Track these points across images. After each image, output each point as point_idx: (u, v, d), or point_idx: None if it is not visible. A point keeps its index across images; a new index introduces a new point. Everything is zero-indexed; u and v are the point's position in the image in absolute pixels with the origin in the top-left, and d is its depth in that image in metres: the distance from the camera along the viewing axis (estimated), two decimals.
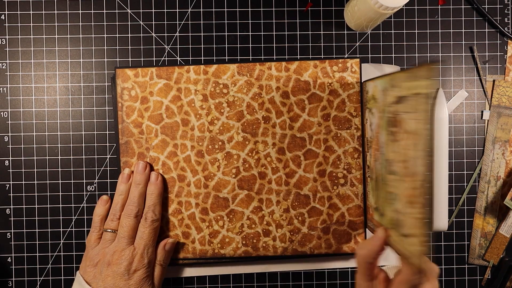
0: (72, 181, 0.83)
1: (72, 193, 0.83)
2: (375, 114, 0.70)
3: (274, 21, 0.83)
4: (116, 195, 0.77)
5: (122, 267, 0.72)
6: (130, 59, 0.83)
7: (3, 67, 0.82)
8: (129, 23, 0.83)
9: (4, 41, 0.82)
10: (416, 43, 0.84)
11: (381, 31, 0.84)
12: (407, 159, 0.58)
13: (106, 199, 0.78)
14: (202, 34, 0.83)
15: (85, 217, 0.83)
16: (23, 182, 0.82)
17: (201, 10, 0.83)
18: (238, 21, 0.83)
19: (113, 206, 0.76)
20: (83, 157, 0.83)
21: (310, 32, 0.83)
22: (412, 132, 0.57)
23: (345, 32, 0.84)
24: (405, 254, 0.60)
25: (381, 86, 0.68)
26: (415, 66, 0.55)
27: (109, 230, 0.75)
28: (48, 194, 0.82)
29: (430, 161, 0.52)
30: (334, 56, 0.83)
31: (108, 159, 0.83)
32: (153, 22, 0.83)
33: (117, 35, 0.83)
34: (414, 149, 0.56)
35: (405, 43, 0.84)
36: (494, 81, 0.83)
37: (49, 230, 0.83)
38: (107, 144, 0.83)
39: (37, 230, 0.83)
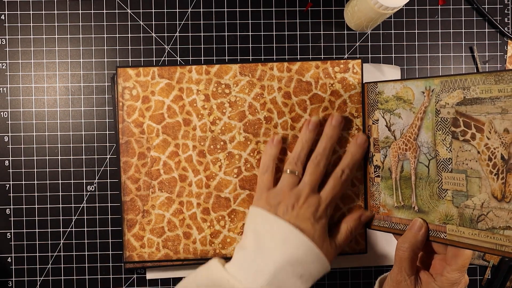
0: (72, 181, 0.83)
1: (72, 193, 0.83)
2: (405, 114, 0.71)
3: (274, 21, 0.83)
4: (300, 141, 0.76)
5: (309, 211, 0.72)
6: (130, 59, 0.82)
7: (3, 67, 0.82)
8: (129, 23, 0.83)
9: (4, 41, 0.82)
10: (416, 43, 0.84)
11: (381, 31, 0.84)
12: (494, 157, 0.61)
13: (279, 139, 0.77)
14: (202, 34, 0.83)
15: (85, 217, 0.83)
16: (23, 182, 0.82)
17: (201, 10, 0.83)
18: (238, 21, 0.83)
19: (298, 150, 0.75)
20: (83, 157, 0.83)
21: (310, 32, 0.83)
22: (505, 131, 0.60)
23: (345, 32, 0.84)
24: (480, 247, 0.64)
25: (419, 87, 0.69)
26: (497, 70, 0.61)
27: (292, 172, 0.74)
28: (48, 194, 0.82)
29: None
30: (334, 56, 0.83)
31: (108, 159, 0.83)
32: (153, 22, 0.83)
33: (117, 35, 0.83)
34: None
35: (405, 43, 0.84)
36: None
37: (49, 230, 0.83)
38: (107, 144, 0.83)
39: (37, 230, 0.83)
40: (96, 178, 0.83)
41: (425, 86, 0.68)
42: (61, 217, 0.83)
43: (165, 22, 0.83)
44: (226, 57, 0.83)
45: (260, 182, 0.76)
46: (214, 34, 0.83)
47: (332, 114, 0.77)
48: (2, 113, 0.82)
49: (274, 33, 0.83)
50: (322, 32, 0.84)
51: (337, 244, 0.74)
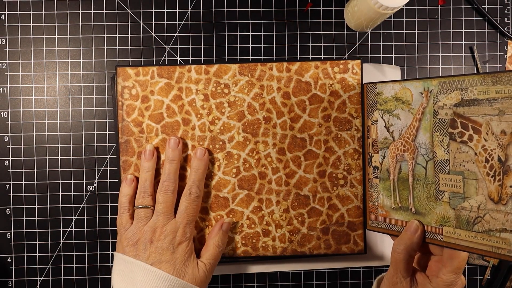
0: (72, 181, 0.83)
1: (72, 193, 0.83)
2: (404, 115, 0.71)
3: (274, 21, 0.83)
4: (142, 172, 0.76)
5: (167, 241, 0.72)
6: (130, 59, 0.83)
7: (3, 67, 0.82)
8: (129, 23, 0.83)
9: (4, 41, 0.82)
10: (416, 43, 0.84)
11: (381, 31, 0.84)
12: (491, 158, 0.61)
13: (131, 178, 0.77)
14: (202, 34, 0.83)
15: (85, 217, 0.83)
16: (23, 182, 0.82)
17: (201, 10, 0.83)
18: (238, 21, 0.83)
19: (142, 183, 0.75)
20: (83, 157, 0.83)
21: (310, 32, 0.83)
22: (502, 133, 0.60)
23: (345, 32, 0.84)
24: (477, 249, 0.64)
25: (418, 88, 0.69)
26: (495, 71, 0.60)
27: (142, 206, 0.74)
28: (48, 194, 0.82)
29: None
30: (334, 56, 0.83)
31: (108, 159, 0.83)
32: (153, 22, 0.83)
33: (117, 35, 0.83)
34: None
35: (405, 43, 0.84)
36: None
37: (49, 230, 0.83)
38: (107, 144, 0.83)
39: (37, 230, 0.83)
40: (96, 178, 0.83)
41: (423, 87, 0.68)
42: (61, 217, 0.83)
43: (165, 22, 0.83)
44: (226, 57, 0.83)
45: (119, 225, 0.75)
46: (214, 34, 0.83)
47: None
48: (2, 113, 0.82)
49: (274, 33, 0.83)
50: (322, 32, 0.83)
51: (207, 263, 0.75)
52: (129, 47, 0.83)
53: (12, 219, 0.82)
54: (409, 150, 0.70)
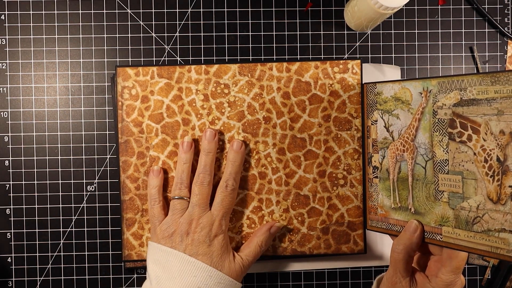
0: (72, 181, 0.83)
1: (72, 193, 0.83)
2: (404, 115, 0.71)
3: (274, 21, 0.83)
4: (179, 164, 0.75)
5: (203, 234, 0.72)
6: (130, 59, 0.83)
7: (3, 67, 0.82)
8: (129, 23, 0.83)
9: (4, 41, 0.82)
10: (416, 43, 0.84)
11: (381, 31, 0.84)
12: (490, 158, 0.62)
13: (158, 169, 0.76)
14: (202, 34, 0.83)
15: (85, 217, 0.83)
16: (23, 182, 0.82)
17: (201, 10, 0.83)
18: (238, 21, 0.83)
19: (178, 174, 0.75)
20: (83, 157, 0.83)
21: (310, 32, 0.83)
22: (501, 133, 0.60)
23: (345, 32, 0.84)
24: (476, 249, 0.64)
25: (417, 88, 0.69)
26: (494, 71, 0.60)
27: (178, 198, 0.74)
28: (48, 194, 0.82)
29: None
30: (334, 56, 0.83)
31: (108, 159, 0.83)
32: (153, 22, 0.83)
33: (117, 35, 0.83)
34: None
35: (405, 43, 0.84)
36: None
37: (49, 230, 0.83)
38: (107, 144, 0.83)
39: (37, 230, 0.83)
40: (96, 178, 0.83)
41: (422, 87, 0.68)
42: (61, 217, 0.83)
43: (165, 22, 0.83)
44: (226, 57, 0.83)
45: (151, 217, 0.75)
46: (214, 34, 0.83)
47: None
48: (2, 113, 0.82)
49: (274, 33, 0.83)
50: (322, 32, 0.83)
51: (245, 259, 0.75)
52: (129, 47, 0.83)
53: (12, 219, 0.82)
54: (408, 150, 0.70)
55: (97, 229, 0.83)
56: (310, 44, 0.83)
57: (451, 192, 0.66)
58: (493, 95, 0.60)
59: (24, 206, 0.82)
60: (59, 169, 0.82)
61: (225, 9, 0.83)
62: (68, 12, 0.82)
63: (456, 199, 0.65)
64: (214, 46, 0.83)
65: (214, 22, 0.83)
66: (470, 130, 0.63)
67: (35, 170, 0.82)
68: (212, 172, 0.75)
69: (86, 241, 0.83)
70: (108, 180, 0.83)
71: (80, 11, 0.82)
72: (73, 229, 0.83)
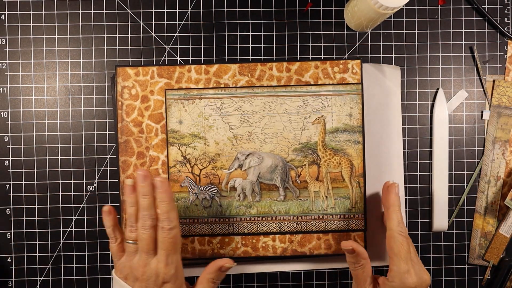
0: (72, 181, 0.83)
1: (72, 193, 0.83)
2: None
3: (274, 21, 0.83)
4: (127, 207, 0.72)
5: (151, 282, 0.70)
6: (130, 59, 0.83)
7: (3, 67, 0.82)
8: (129, 23, 0.83)
9: (4, 41, 0.82)
10: (416, 43, 0.84)
11: (381, 31, 0.84)
12: None
13: (107, 209, 0.73)
14: (202, 34, 0.83)
15: (85, 217, 0.83)
16: (23, 182, 0.82)
17: (201, 10, 0.83)
18: (238, 21, 0.83)
19: (128, 218, 0.72)
20: (83, 157, 0.83)
21: (310, 32, 0.83)
22: None
23: (345, 32, 0.84)
24: None
25: None
26: None
27: (131, 242, 0.71)
28: (48, 194, 0.82)
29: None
30: (334, 56, 0.83)
31: (108, 159, 0.83)
32: (153, 22, 0.83)
33: (117, 35, 0.83)
34: None
35: (405, 43, 0.84)
36: (494, 81, 0.83)
37: (49, 230, 0.83)
38: (107, 144, 0.83)
39: (37, 230, 0.83)
40: (96, 178, 0.83)
41: None
42: (61, 217, 0.83)
43: (165, 22, 0.83)
44: (226, 57, 0.83)
45: (111, 252, 0.74)
46: (214, 34, 0.83)
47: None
48: (2, 113, 0.82)
49: (274, 33, 0.83)
50: (322, 32, 0.83)
51: None
52: (129, 47, 0.83)
53: (12, 219, 0.82)
54: None
55: (97, 229, 0.83)
56: (310, 44, 0.83)
57: None
58: None
59: (24, 206, 0.82)
60: (59, 169, 0.82)
61: (225, 9, 0.83)
62: (68, 12, 0.82)
63: None
64: (214, 46, 0.83)
65: (214, 22, 0.83)
66: None
67: (35, 170, 0.82)
68: (152, 213, 0.71)
69: (86, 241, 0.83)
70: (108, 180, 0.83)
71: (80, 11, 0.82)
72: (73, 229, 0.83)
